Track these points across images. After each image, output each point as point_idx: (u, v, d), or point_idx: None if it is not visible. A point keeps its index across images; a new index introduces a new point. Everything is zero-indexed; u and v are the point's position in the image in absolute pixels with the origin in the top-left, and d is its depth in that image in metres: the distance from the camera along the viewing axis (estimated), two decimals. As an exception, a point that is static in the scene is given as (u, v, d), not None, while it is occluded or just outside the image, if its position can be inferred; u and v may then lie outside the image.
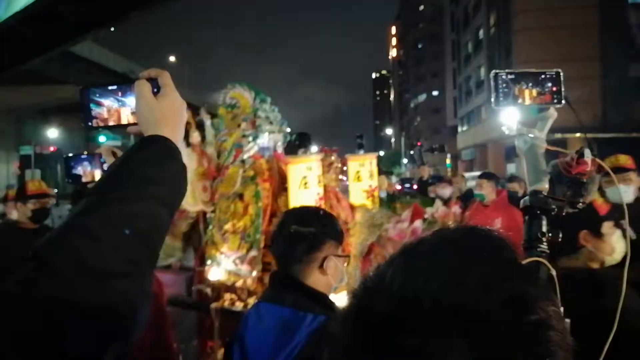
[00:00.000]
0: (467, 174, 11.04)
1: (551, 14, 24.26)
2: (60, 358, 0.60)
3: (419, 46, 66.60)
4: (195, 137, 2.77)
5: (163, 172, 0.77)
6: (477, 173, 7.35)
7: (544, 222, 1.19)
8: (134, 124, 0.89)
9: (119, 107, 0.94)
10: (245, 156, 2.71)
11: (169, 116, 0.84)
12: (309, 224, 1.50)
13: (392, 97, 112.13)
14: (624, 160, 3.05)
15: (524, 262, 1.07)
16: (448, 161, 41.35)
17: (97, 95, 0.94)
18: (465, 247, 0.45)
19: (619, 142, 21.57)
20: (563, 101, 1.27)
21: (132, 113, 0.91)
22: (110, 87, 0.94)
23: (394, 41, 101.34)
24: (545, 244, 1.16)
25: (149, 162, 0.77)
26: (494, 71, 1.28)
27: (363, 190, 2.99)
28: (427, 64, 62.84)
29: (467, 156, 38.84)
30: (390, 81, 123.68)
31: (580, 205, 1.22)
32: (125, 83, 0.93)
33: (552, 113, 1.31)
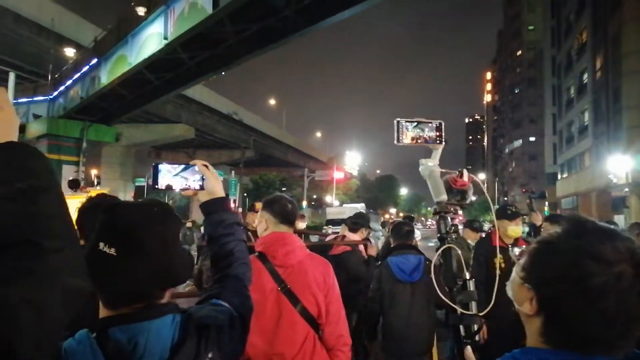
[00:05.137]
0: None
1: (667, 55, 22.33)
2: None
3: (516, 91, 64.20)
4: None
5: (43, 164, 0.85)
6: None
7: (448, 222, 1.83)
8: None
9: None
10: None
11: (1, 129, 0.88)
12: (411, 226, 3.77)
13: (485, 142, 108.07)
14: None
15: (440, 249, 1.79)
16: (546, 209, 38.39)
17: None
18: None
19: None
20: (444, 142, 1.87)
21: None
22: None
23: (488, 86, 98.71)
24: (453, 235, 1.80)
25: (29, 157, 0.84)
26: (396, 119, 1.83)
27: None
28: (524, 109, 60.18)
29: (568, 204, 36.01)
30: (484, 126, 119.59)
31: (466, 205, 1.86)
32: None
33: (439, 147, 1.88)
